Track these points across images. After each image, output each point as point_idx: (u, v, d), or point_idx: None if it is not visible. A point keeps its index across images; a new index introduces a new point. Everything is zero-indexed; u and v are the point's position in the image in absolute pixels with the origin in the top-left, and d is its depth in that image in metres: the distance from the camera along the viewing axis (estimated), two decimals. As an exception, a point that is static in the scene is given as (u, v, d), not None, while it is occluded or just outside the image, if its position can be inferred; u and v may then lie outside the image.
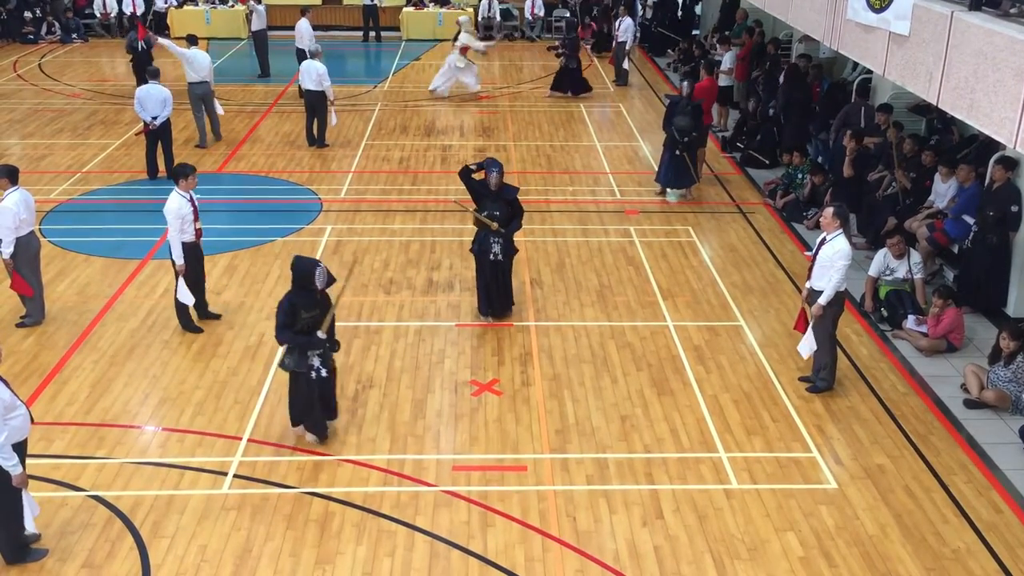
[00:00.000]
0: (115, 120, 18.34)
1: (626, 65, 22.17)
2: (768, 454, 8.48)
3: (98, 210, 13.95)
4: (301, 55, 19.50)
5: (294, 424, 8.63)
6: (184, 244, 10.00)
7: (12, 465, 6.57)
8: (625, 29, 21.83)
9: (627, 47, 22.07)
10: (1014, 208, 10.45)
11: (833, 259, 8.89)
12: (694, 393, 9.42)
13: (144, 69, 20.03)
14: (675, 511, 7.72)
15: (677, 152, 14.23)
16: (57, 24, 25.80)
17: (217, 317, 10.69)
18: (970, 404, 9.26)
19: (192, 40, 16.79)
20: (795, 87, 16.16)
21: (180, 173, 10.13)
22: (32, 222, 10.22)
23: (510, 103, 20.20)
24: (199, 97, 16.56)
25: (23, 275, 10.10)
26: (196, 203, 10.18)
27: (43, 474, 7.87)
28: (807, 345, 9.22)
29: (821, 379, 9.37)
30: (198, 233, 10.21)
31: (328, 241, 12.82)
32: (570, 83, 20.72)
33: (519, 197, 10.55)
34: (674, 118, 14.22)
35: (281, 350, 8.42)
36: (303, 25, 20.22)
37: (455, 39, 20.56)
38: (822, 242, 9.10)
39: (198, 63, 16.31)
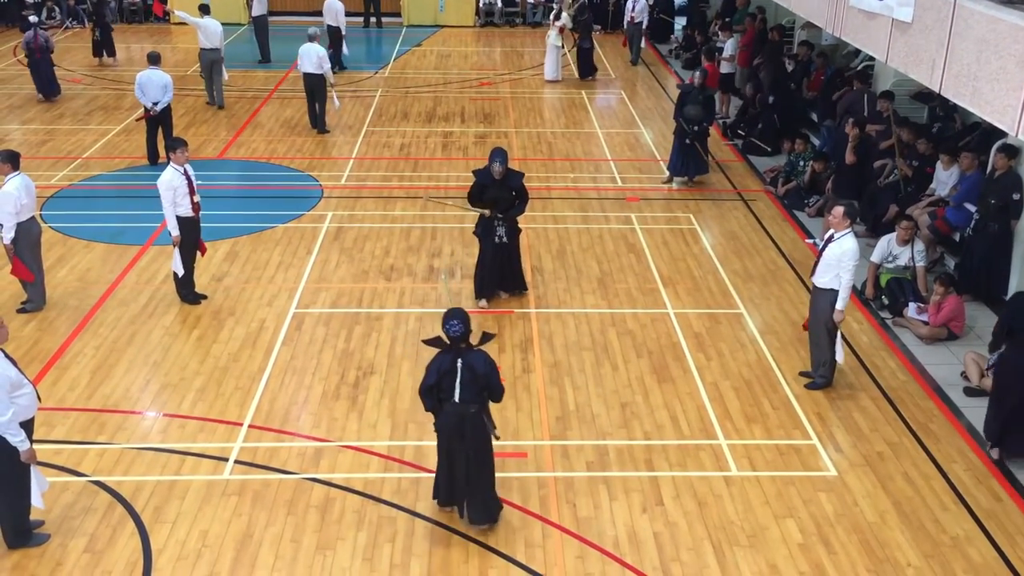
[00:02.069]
0: (115, 106, 18.29)
1: (644, 44, 22.82)
2: (768, 441, 8.49)
3: (99, 196, 13.93)
4: (334, 33, 19.79)
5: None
6: (181, 218, 10.22)
7: (19, 441, 6.60)
8: (641, 10, 22.11)
9: (644, 27, 22.55)
10: (1016, 196, 10.42)
11: (841, 259, 8.72)
12: (694, 380, 9.42)
13: (103, 42, 21.00)
14: (675, 498, 7.74)
15: (687, 141, 14.19)
16: (58, 9, 25.71)
17: (204, 297, 10.80)
18: (970, 392, 9.27)
19: (205, 9, 18.01)
20: (768, 59, 16.37)
21: (171, 147, 10.43)
22: (33, 207, 10.23)
23: (511, 89, 20.14)
24: (210, 62, 17.76)
25: (24, 261, 10.11)
26: (191, 177, 10.32)
27: (45, 459, 7.86)
28: (839, 351, 9.07)
29: (820, 376, 9.31)
30: (196, 207, 10.35)
31: (329, 228, 12.80)
32: (581, 64, 20.84)
33: (525, 183, 10.56)
34: (684, 107, 14.18)
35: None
36: (335, 3, 20.19)
37: (556, 17, 20.79)
38: (830, 239, 8.95)
39: (211, 31, 17.57)
